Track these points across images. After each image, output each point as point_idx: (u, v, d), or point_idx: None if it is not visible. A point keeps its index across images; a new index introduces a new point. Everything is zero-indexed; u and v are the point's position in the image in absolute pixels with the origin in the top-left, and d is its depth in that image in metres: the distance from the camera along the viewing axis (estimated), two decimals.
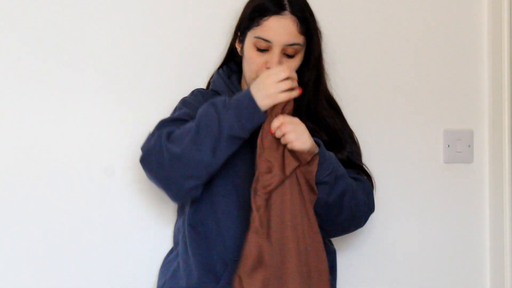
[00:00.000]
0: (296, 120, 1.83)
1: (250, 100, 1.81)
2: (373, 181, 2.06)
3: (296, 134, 1.81)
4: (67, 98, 2.13)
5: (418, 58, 2.39)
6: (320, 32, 1.98)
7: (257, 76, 1.90)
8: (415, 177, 2.39)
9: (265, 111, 1.82)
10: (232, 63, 2.08)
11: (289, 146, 1.81)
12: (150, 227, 2.18)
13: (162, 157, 1.83)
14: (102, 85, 2.16)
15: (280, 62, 1.90)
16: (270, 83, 1.81)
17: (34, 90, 2.11)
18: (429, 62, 2.40)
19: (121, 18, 2.17)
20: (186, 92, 2.12)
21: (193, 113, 1.90)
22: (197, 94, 2.04)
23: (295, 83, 1.86)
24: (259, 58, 1.91)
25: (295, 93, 1.84)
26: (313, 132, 1.89)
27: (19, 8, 2.11)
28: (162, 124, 1.91)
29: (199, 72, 2.18)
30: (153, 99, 2.18)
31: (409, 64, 2.39)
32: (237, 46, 2.00)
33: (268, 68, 1.89)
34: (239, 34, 1.98)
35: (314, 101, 1.99)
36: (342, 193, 1.89)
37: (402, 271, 2.38)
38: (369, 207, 2.00)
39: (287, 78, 1.82)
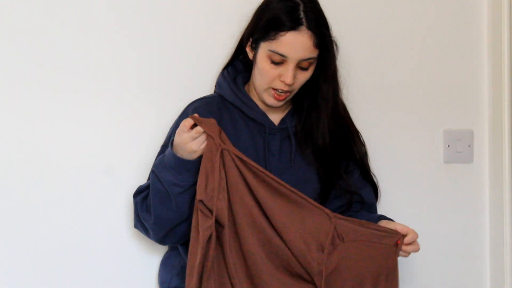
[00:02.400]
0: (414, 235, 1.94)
1: (177, 160, 1.85)
2: (379, 191, 2.11)
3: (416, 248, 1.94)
4: (67, 98, 2.14)
5: (418, 58, 2.39)
6: (336, 45, 2.00)
7: (269, 87, 1.94)
8: (415, 177, 2.39)
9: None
10: (237, 61, 2.08)
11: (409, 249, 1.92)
12: None
13: (146, 229, 1.96)
14: (104, 85, 2.16)
15: (294, 75, 1.91)
16: (188, 145, 1.83)
17: (34, 90, 2.12)
18: (429, 62, 2.40)
19: (123, 18, 2.18)
20: (187, 92, 2.12)
21: None
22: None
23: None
24: (273, 71, 1.92)
25: None
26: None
27: (22, 8, 2.11)
28: (137, 192, 1.99)
29: (201, 72, 2.18)
30: (154, 99, 2.19)
31: (409, 64, 2.39)
32: (248, 51, 2.00)
33: (282, 81, 1.92)
34: (251, 40, 1.98)
35: (335, 111, 2.03)
36: None
37: (402, 270, 2.37)
38: None
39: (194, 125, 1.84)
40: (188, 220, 1.87)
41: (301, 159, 2.00)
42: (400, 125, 2.38)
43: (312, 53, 1.92)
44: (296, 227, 1.83)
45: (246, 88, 2.04)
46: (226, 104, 2.01)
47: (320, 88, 2.00)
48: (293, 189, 1.85)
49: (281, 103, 1.97)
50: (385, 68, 2.37)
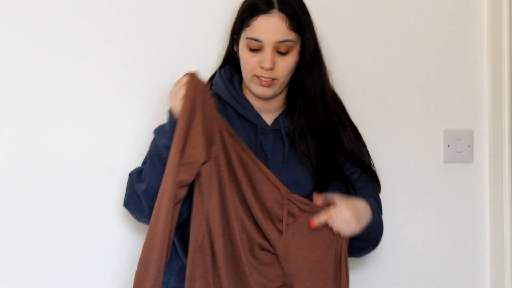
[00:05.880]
0: (341, 208, 1.88)
1: (170, 122, 1.87)
2: (379, 183, 2.09)
3: (344, 224, 1.87)
4: (67, 98, 2.14)
5: (418, 58, 2.39)
6: (313, 28, 1.98)
7: (252, 77, 1.93)
8: (415, 177, 2.39)
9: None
10: (230, 66, 2.07)
11: (341, 234, 1.88)
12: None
13: (137, 198, 1.91)
14: (103, 85, 2.17)
15: (273, 61, 1.90)
16: (172, 96, 1.87)
17: (34, 90, 2.13)
18: (429, 62, 2.40)
19: (121, 19, 2.18)
20: None
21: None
22: None
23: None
24: (253, 59, 1.92)
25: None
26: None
27: (24, 7, 2.11)
28: (133, 171, 1.97)
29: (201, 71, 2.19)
30: (153, 99, 2.19)
31: (409, 64, 2.39)
32: (235, 49, 2.00)
33: (262, 67, 1.91)
34: (235, 37, 1.99)
35: (323, 97, 2.00)
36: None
37: (402, 270, 2.38)
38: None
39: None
40: None
41: (294, 159, 2.00)
42: (400, 125, 2.38)
43: (287, 35, 1.91)
44: (256, 196, 1.88)
45: (242, 87, 2.04)
46: (222, 103, 2.01)
47: (305, 82, 1.98)
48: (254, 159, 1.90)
49: (269, 92, 1.95)
50: (384, 68, 2.37)
